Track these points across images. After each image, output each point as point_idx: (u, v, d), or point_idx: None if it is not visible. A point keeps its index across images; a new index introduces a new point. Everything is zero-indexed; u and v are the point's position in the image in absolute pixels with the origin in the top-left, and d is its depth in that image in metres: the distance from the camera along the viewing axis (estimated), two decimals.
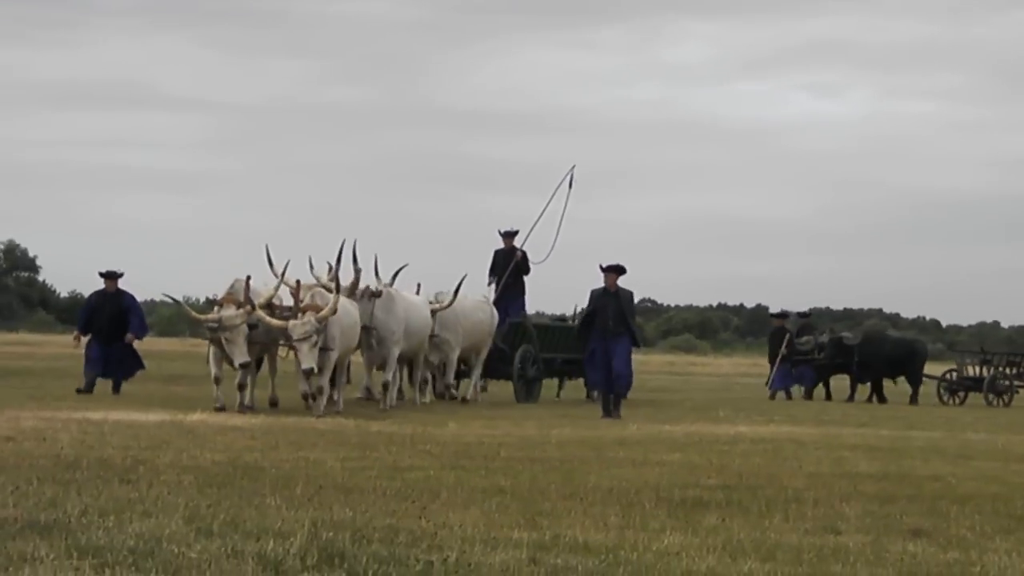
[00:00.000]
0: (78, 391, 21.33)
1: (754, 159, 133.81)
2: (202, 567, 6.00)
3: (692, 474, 11.56)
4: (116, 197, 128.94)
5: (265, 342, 18.95)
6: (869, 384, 29.90)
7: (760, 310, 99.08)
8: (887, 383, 30.30)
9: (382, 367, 20.00)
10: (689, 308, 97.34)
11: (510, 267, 24.10)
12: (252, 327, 18.34)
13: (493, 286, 23.93)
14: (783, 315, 31.62)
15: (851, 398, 29.70)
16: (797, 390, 29.93)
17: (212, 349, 18.73)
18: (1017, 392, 30.61)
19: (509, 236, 24.43)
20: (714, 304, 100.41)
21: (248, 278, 18.64)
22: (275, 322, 18.15)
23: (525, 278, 24.48)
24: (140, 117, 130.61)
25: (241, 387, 18.55)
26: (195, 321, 19.02)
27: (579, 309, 25.48)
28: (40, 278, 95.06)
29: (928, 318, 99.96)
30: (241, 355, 18.15)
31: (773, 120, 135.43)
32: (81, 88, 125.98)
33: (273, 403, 19.37)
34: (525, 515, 8.60)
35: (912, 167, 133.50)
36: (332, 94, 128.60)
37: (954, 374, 31.47)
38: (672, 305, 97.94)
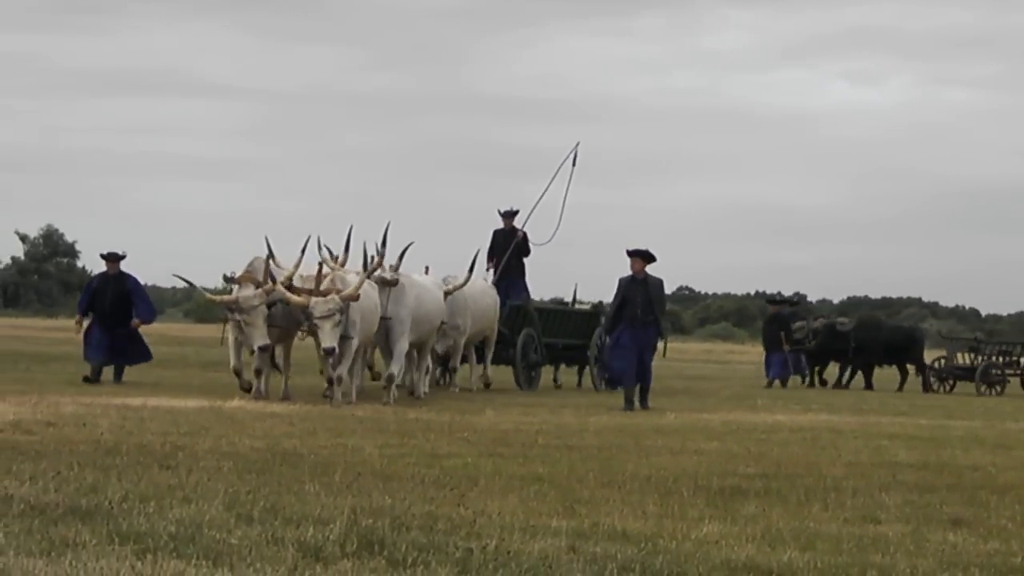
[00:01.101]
0: (85, 379, 20.48)
1: (793, 147, 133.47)
2: (242, 553, 6.02)
3: (730, 463, 11.54)
4: (155, 183, 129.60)
5: (285, 325, 18.01)
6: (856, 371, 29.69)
7: (798, 298, 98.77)
8: (879, 370, 30.11)
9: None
10: (727, 296, 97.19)
11: (510, 248, 23.18)
12: (271, 307, 17.50)
13: (492, 269, 22.97)
14: (779, 301, 30.95)
15: (844, 384, 29.33)
16: (792, 379, 29.35)
17: (231, 335, 17.87)
18: (1008, 382, 30.48)
19: (509, 216, 23.50)
20: (752, 292, 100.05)
21: (269, 256, 17.78)
22: (297, 299, 17.27)
23: (526, 260, 23.59)
24: (179, 104, 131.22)
25: (258, 372, 17.72)
26: (211, 303, 18.11)
27: (578, 291, 25.20)
28: (79, 264, 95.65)
29: (967, 307, 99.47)
30: (261, 337, 17.33)
31: (812, 108, 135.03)
32: (120, 75, 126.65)
33: (286, 398, 17.76)
34: (563, 503, 8.60)
35: (952, 155, 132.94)
36: (369, 81, 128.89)
37: (943, 361, 31.31)
38: (710, 293, 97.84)
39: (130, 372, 24.67)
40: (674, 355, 37.20)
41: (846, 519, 8.47)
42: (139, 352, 21.85)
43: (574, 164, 23.39)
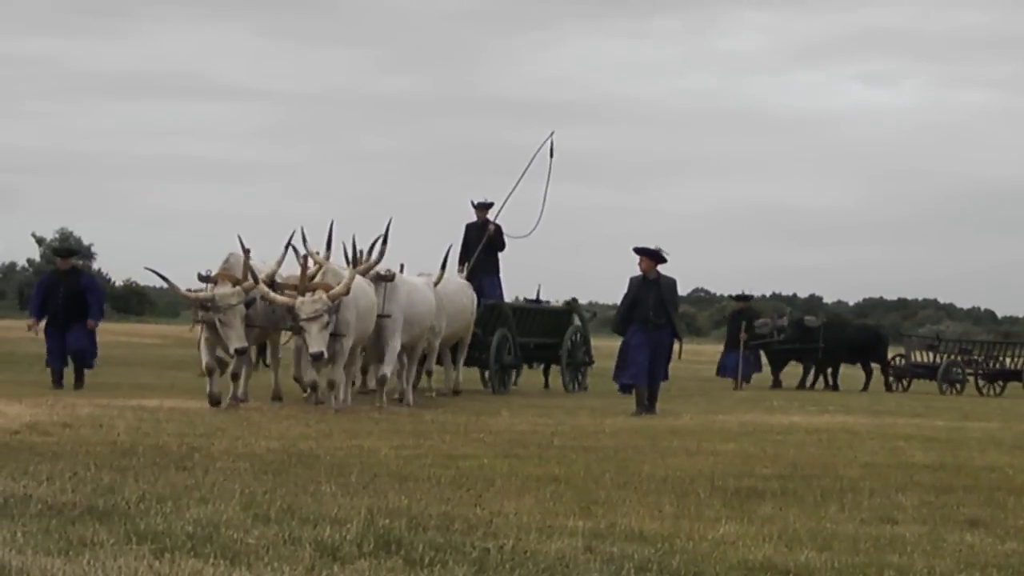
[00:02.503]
0: (53, 387, 19.34)
1: (808, 148, 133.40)
2: (260, 552, 6.03)
3: (746, 464, 11.52)
4: (170, 186, 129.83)
5: (265, 325, 16.84)
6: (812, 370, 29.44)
7: (814, 300, 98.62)
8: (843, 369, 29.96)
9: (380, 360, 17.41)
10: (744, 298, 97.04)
11: (482, 242, 21.67)
12: (249, 305, 16.16)
13: (466, 265, 21.29)
14: (745, 297, 30.00)
15: (808, 384, 28.97)
16: (759, 377, 28.78)
17: (203, 334, 16.37)
18: (967, 381, 30.41)
19: (483, 208, 22.00)
20: (767, 294, 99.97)
21: (247, 251, 16.33)
22: (280, 298, 15.99)
23: (500, 255, 22.12)
24: (195, 107, 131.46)
25: (235, 376, 16.46)
26: (184, 300, 16.30)
27: (540, 288, 23.75)
28: (95, 266, 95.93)
29: (983, 308, 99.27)
30: (238, 339, 15.87)
31: (827, 109, 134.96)
32: (136, 78, 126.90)
33: (276, 397, 17.33)
34: (580, 504, 8.60)
35: (967, 156, 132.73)
36: (385, 84, 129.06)
37: (900, 360, 31.16)
38: (725, 295, 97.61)
39: (145, 374, 24.75)
40: (689, 357, 37.11)
41: (863, 520, 8.45)
42: (91, 352, 20.40)
43: (551, 155, 22.00)
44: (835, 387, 29.09)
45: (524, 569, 5.95)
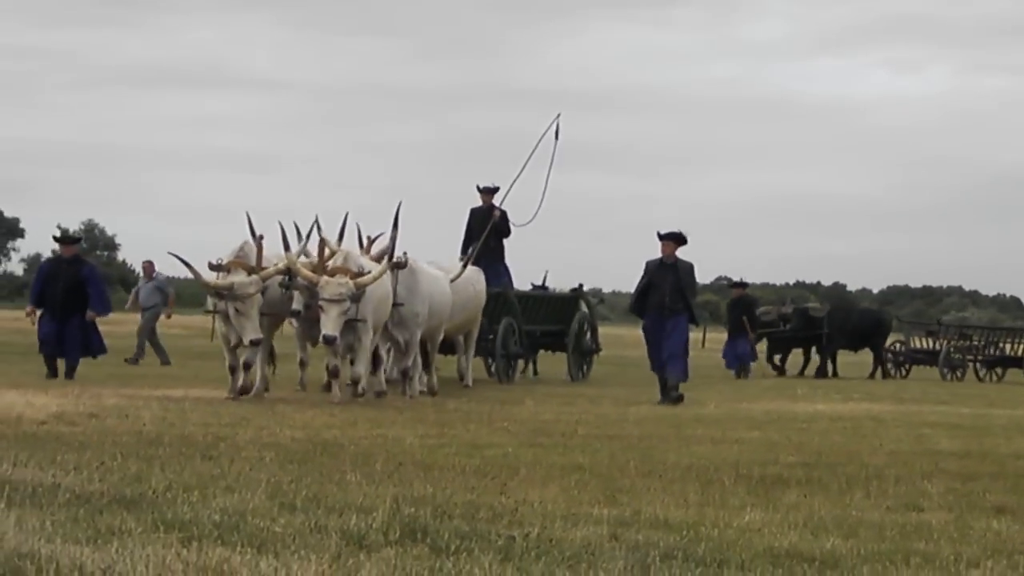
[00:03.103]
0: (47, 376, 19.05)
1: (833, 136, 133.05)
2: (286, 541, 6.05)
3: (771, 452, 11.51)
4: (195, 177, 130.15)
5: (280, 312, 16.54)
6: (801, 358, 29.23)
7: (838, 288, 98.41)
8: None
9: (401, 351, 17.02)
10: (766, 286, 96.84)
11: (488, 228, 20.98)
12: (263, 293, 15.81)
13: (470, 251, 20.40)
14: (742, 284, 29.32)
15: (830, 372, 28.71)
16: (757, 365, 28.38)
17: (222, 328, 16.18)
18: (967, 367, 30.25)
19: (488, 193, 21.31)
20: (792, 282, 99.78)
21: (261, 238, 15.99)
22: (309, 273, 15.59)
23: (505, 241, 21.48)
24: (220, 98, 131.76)
25: (247, 366, 16.12)
26: (204, 287, 15.68)
27: (547, 275, 23.33)
28: (120, 258, 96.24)
29: (1008, 295, 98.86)
30: (253, 330, 15.48)
31: (852, 97, 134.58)
32: (161, 69, 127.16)
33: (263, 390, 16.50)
34: (604, 492, 8.60)
35: (993, 142, 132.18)
36: (409, 74, 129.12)
37: (899, 346, 30.99)
38: (750, 283, 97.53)
39: (170, 365, 24.84)
40: (713, 345, 37.12)
41: (889, 507, 8.44)
42: (93, 344, 19.78)
43: (556, 138, 21.23)
44: (835, 374, 28.83)
45: (550, 557, 5.96)
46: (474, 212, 21.49)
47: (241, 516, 6.66)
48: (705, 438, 12.65)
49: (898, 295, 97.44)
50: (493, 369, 21.63)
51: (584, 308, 23.45)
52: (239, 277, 15.59)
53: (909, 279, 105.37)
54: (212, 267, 15.78)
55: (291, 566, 5.39)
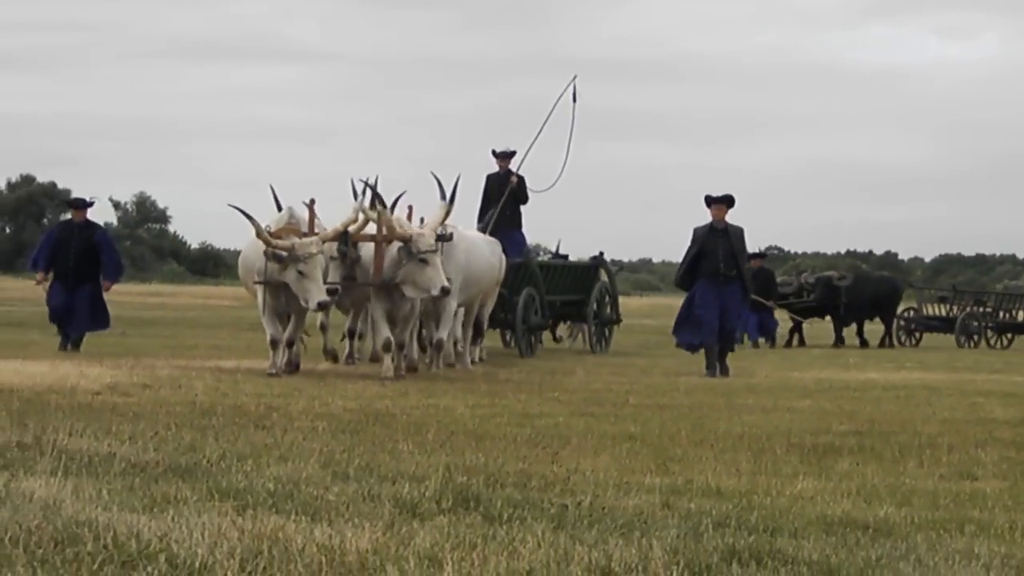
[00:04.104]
0: (61, 348, 18.58)
1: (883, 103, 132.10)
2: (340, 509, 6.08)
3: (823, 420, 11.48)
4: (245, 149, 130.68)
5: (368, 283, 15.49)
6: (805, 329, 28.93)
7: (889, 256, 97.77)
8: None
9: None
10: (817, 255, 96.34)
11: (505, 194, 20.20)
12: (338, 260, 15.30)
13: (489, 217, 19.91)
14: (761, 255, 28.81)
15: (842, 341, 28.43)
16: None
17: (266, 300, 15.27)
18: (984, 334, 29.93)
19: (505, 157, 20.44)
20: (842, 251, 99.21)
21: (312, 202, 15.53)
22: (400, 229, 15.13)
23: (523, 208, 20.67)
24: (270, 69, 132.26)
25: (323, 329, 16.36)
26: (266, 243, 14.85)
27: (560, 242, 22.90)
28: (171, 230, 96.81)
29: None
30: (319, 292, 14.67)
31: (902, 64, 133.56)
32: (210, 41, 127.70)
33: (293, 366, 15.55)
34: (656, 461, 8.60)
35: None
36: (458, 44, 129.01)
37: (911, 313, 30.62)
38: (799, 252, 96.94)
39: (222, 336, 25.00)
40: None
41: (942, 475, 8.40)
42: (99, 319, 19.10)
43: (574, 100, 20.28)
44: (841, 341, 28.43)
45: (602, 525, 5.96)
46: (490, 178, 20.68)
47: (295, 485, 6.71)
48: (756, 407, 12.62)
49: (950, 263, 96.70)
50: (512, 343, 20.91)
51: (604, 277, 22.82)
52: (299, 239, 14.94)
53: (962, 247, 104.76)
54: (258, 236, 15.14)
55: (345, 534, 5.42)
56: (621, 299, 24.21)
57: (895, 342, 29.35)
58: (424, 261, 14.94)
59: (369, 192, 15.43)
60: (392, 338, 15.37)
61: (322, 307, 15.13)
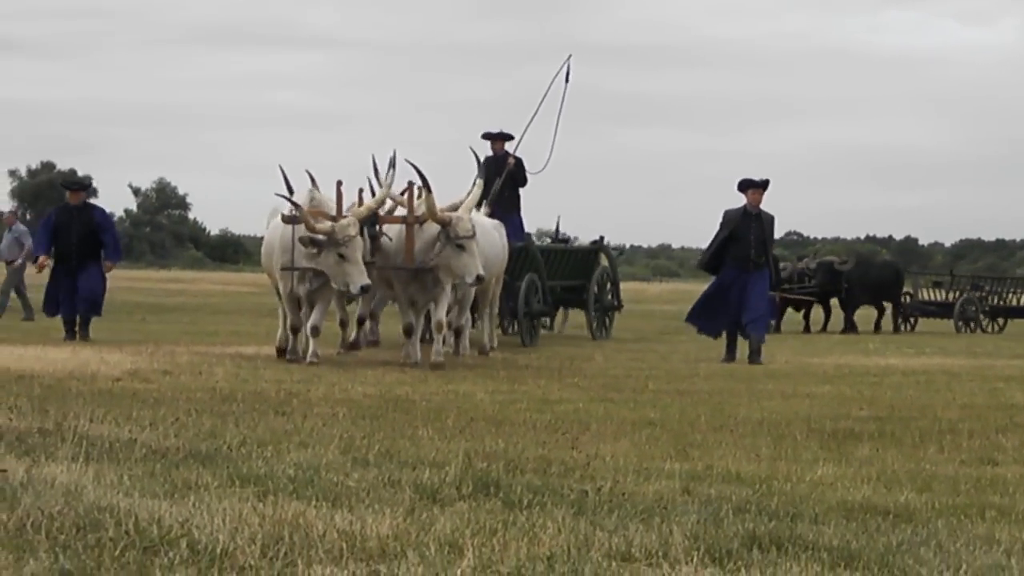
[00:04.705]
0: (66, 338, 18.10)
1: (903, 88, 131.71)
2: (360, 495, 6.09)
3: (843, 406, 11.46)
4: (264, 135, 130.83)
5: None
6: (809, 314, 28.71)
7: (909, 242, 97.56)
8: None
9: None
10: (836, 240, 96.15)
11: (502, 177, 19.46)
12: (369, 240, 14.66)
13: (484, 203, 18.52)
14: None
15: (853, 327, 28.22)
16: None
17: (290, 285, 14.80)
18: (980, 318, 29.83)
19: (499, 139, 19.72)
20: (862, 236, 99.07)
21: (339, 184, 14.93)
22: (439, 212, 14.52)
23: (521, 191, 20.03)
24: (288, 56, 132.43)
25: (362, 321, 15.91)
26: (305, 234, 14.25)
27: (560, 221, 22.36)
28: (191, 216, 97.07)
29: None
30: (360, 275, 14.12)
31: (922, 48, 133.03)
32: (229, 27, 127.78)
33: (313, 357, 14.79)
34: (676, 446, 8.61)
35: None
36: (479, 30, 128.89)
37: (907, 298, 30.38)
38: (819, 237, 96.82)
39: (242, 322, 25.06)
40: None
41: (963, 461, 8.39)
42: (96, 304, 18.62)
43: (567, 80, 19.67)
44: (852, 328, 28.21)
45: (623, 511, 5.96)
46: (487, 161, 19.21)
47: (315, 471, 6.72)
48: (776, 392, 12.61)
49: (970, 249, 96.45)
50: (511, 329, 20.21)
51: (604, 262, 22.23)
52: (339, 221, 14.35)
53: (982, 233, 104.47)
54: (285, 219, 14.67)
55: (365, 520, 5.43)
56: (640, 285, 24.25)
57: (898, 328, 29.22)
58: (461, 247, 14.55)
59: (393, 172, 14.96)
60: (414, 323, 15.14)
61: (364, 291, 14.57)
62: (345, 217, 14.55)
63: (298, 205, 14.50)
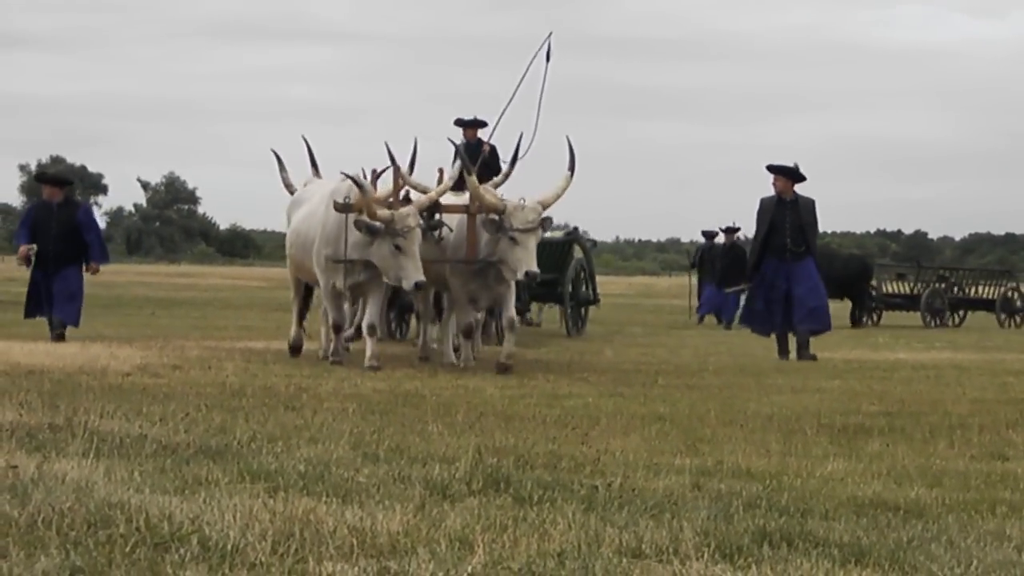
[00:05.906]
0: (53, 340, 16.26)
1: (913, 81, 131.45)
2: (371, 491, 6.09)
3: (853, 401, 11.45)
4: (274, 129, 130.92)
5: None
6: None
7: (919, 236, 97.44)
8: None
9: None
10: (847, 234, 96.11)
11: (476, 165, 17.84)
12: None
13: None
14: (734, 229, 28.26)
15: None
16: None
17: (331, 279, 13.95)
18: (947, 311, 29.67)
19: (472, 126, 18.67)
20: (872, 230, 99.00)
21: (374, 171, 14.01)
22: (494, 200, 13.70)
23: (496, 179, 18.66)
24: (299, 50, 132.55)
25: (419, 319, 15.50)
26: (371, 214, 13.27)
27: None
28: (200, 210, 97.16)
29: None
30: (416, 269, 13.27)
31: (932, 42, 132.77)
32: (239, 21, 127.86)
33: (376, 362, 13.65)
34: (686, 442, 8.60)
35: None
36: (489, 23, 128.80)
37: (872, 291, 30.07)
38: (829, 232, 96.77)
39: (251, 317, 25.07)
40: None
41: (973, 456, 8.37)
42: (73, 311, 16.86)
43: (548, 59, 17.82)
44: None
45: (633, 506, 5.96)
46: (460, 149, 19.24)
47: (325, 466, 6.72)
48: (786, 387, 12.60)
49: (980, 242, 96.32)
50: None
51: (579, 254, 21.39)
52: (399, 209, 13.44)
53: (992, 226, 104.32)
54: (339, 207, 13.59)
55: (376, 515, 5.43)
56: (651, 278, 24.26)
57: (863, 322, 29.02)
58: (514, 240, 13.54)
59: (457, 159, 14.26)
60: (472, 322, 14.46)
61: (419, 287, 13.64)
62: (404, 206, 13.57)
63: (362, 185, 13.46)
